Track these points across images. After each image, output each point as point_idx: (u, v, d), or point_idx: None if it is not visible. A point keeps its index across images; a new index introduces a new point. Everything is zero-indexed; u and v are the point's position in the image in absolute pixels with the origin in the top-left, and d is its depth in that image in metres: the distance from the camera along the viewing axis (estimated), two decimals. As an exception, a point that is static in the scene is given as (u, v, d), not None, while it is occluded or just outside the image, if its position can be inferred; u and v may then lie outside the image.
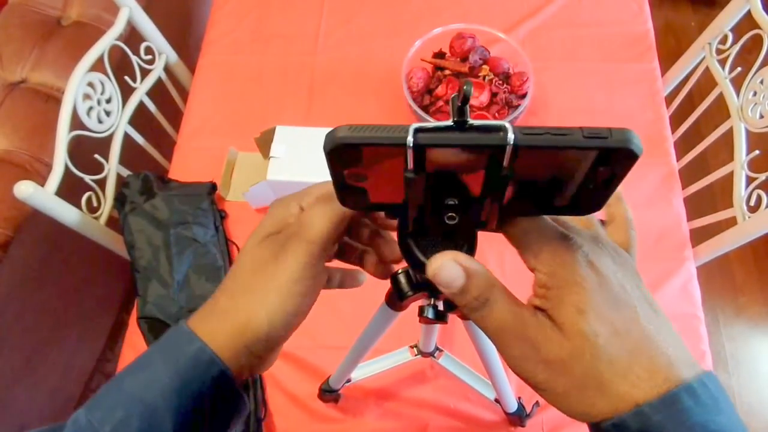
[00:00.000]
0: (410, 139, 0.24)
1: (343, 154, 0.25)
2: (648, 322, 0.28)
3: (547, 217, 0.31)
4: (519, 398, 0.78)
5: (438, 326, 0.60)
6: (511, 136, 0.23)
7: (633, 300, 0.29)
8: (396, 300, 0.43)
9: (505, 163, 0.24)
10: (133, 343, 0.88)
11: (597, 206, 0.29)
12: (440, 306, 0.40)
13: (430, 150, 0.24)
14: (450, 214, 0.29)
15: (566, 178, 0.27)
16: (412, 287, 0.40)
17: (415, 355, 0.74)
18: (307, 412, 0.84)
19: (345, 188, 0.29)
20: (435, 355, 0.73)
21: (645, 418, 0.26)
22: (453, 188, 0.28)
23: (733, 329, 1.58)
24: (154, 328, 0.86)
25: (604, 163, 0.25)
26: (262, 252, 0.34)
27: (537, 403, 0.80)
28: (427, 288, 0.40)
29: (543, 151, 0.24)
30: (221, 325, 0.33)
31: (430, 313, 0.38)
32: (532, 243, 0.30)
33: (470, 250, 0.33)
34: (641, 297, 0.29)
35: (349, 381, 0.77)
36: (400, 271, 0.41)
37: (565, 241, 0.29)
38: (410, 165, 0.25)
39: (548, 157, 0.25)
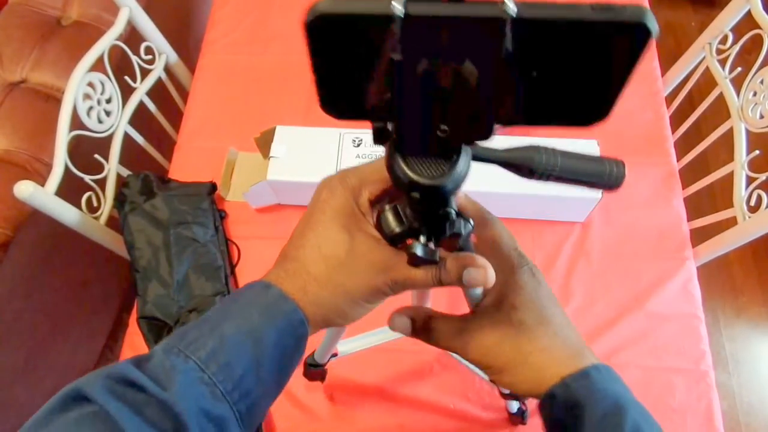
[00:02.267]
0: (400, 8, 0.22)
1: (325, 33, 0.23)
2: (564, 319, 0.39)
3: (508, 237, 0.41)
4: (519, 398, 0.79)
5: (430, 294, 0.51)
6: (512, 7, 0.21)
7: (555, 304, 0.40)
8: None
9: (507, 43, 0.22)
10: (133, 343, 0.88)
11: (604, 112, 0.26)
12: (431, 245, 0.34)
13: (420, 35, 0.22)
14: (443, 127, 0.26)
15: (570, 72, 0.25)
16: (400, 224, 0.35)
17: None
18: (306, 412, 0.84)
19: (327, 85, 0.26)
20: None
21: (568, 388, 0.35)
22: (445, 89, 0.25)
23: (733, 329, 1.58)
24: (154, 328, 0.86)
25: (614, 46, 0.23)
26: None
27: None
28: (418, 230, 0.35)
29: (546, 34, 0.22)
30: (297, 281, 0.35)
31: (419, 250, 0.33)
32: (496, 255, 0.40)
33: (465, 164, 0.30)
34: (558, 304, 0.40)
35: (335, 355, 0.74)
36: (387, 207, 0.35)
37: (520, 258, 0.40)
38: (398, 44, 0.22)
39: (552, 40, 0.23)
